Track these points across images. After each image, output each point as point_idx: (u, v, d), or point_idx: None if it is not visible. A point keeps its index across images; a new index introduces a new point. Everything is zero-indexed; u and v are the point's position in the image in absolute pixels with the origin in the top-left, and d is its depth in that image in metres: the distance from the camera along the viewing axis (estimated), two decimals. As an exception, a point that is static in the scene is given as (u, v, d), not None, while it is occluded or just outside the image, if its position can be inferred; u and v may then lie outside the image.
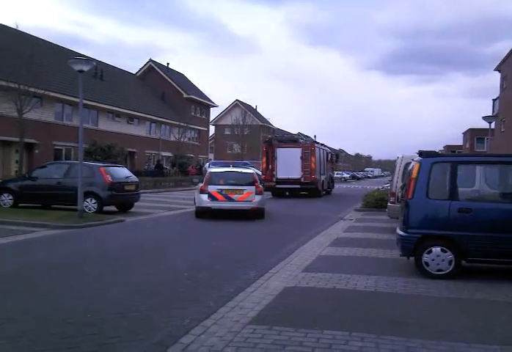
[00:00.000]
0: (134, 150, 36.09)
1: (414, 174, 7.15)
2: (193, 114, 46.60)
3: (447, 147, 67.57)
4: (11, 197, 15.44)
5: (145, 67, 47.03)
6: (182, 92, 46.13)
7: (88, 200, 14.52)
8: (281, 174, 26.08)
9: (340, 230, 12.28)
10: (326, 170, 29.90)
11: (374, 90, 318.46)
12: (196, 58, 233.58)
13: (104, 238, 10.52)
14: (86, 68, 12.95)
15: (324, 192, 28.82)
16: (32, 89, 21.31)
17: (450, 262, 6.77)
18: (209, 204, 14.11)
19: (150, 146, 38.90)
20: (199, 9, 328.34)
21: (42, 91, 23.07)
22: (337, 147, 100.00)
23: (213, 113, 61.11)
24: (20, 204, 15.44)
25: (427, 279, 6.67)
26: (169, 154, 39.74)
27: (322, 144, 30.68)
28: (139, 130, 37.76)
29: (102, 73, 35.28)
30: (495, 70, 38.66)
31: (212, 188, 14.04)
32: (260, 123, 65.81)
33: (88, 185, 14.23)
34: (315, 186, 26.19)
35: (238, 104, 66.25)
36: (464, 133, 58.46)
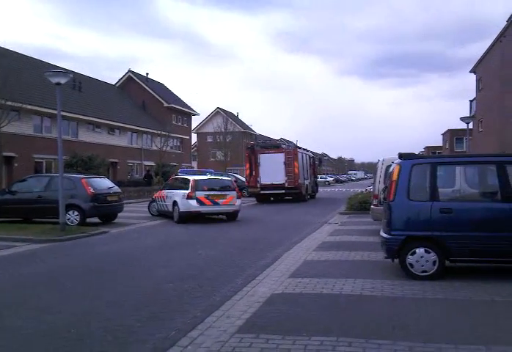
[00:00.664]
0: (116, 161, 35.77)
1: (395, 176, 7.22)
2: (174, 122, 46.42)
3: (427, 148, 68.48)
4: (-9, 212, 15.16)
5: (124, 78, 46.73)
6: (162, 101, 45.94)
7: (70, 213, 14.34)
8: (265, 179, 26.11)
9: (326, 234, 12.32)
10: (310, 174, 30.05)
11: (355, 94, 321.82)
12: (176, 67, 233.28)
13: (87, 251, 10.37)
14: (63, 81, 12.83)
15: (308, 196, 28.93)
16: (9, 103, 21.00)
17: (434, 262, 6.83)
18: (198, 209, 15.53)
19: (132, 156, 38.61)
20: (176, 18, 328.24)
21: (20, 104, 22.75)
22: (319, 151, 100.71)
23: (195, 121, 61.09)
24: (1, 219, 15.16)
25: (412, 280, 6.71)
26: (152, 163, 39.48)
27: (304, 149, 30.85)
28: (121, 141, 37.46)
29: (81, 85, 34.96)
30: (471, 71, 39.38)
31: (200, 194, 15.46)
32: (242, 130, 65.81)
33: (69, 197, 14.05)
34: (299, 191, 26.27)
35: (219, 112, 66.19)
36: (444, 134, 59.28)
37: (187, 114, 50.94)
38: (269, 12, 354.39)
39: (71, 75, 13.55)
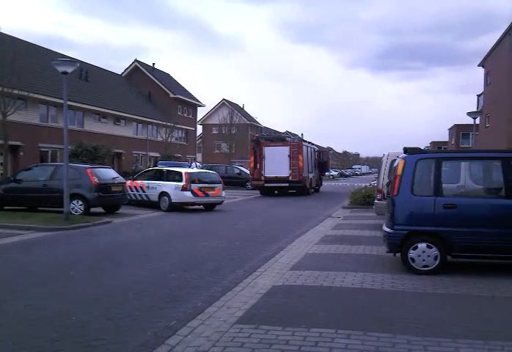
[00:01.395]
0: (121, 151, 35.85)
1: (399, 171, 7.20)
2: (180, 113, 46.41)
3: (433, 143, 68.16)
4: (-4, 200, 15.27)
5: (130, 68, 46.65)
6: (168, 91, 45.88)
7: (75, 202, 14.40)
8: (269, 172, 26.10)
9: (328, 228, 12.33)
10: (314, 168, 29.99)
11: (361, 87, 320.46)
12: (182, 57, 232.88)
13: (90, 240, 10.44)
14: (70, 70, 12.83)
15: (312, 190, 28.92)
16: (16, 92, 21.05)
17: (436, 257, 6.84)
18: (193, 200, 16.96)
19: (137, 146, 38.67)
20: (183, 8, 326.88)
21: (26, 93, 22.80)
22: (324, 145, 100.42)
23: (200, 112, 61.01)
24: (6, 207, 15.26)
25: (413, 275, 6.72)
26: (157, 154, 39.56)
27: (309, 142, 30.77)
28: (126, 131, 37.51)
29: (87, 74, 34.96)
30: (479, 65, 39.02)
31: (194, 186, 16.85)
32: (248, 122, 65.68)
33: (74, 186, 14.11)
34: (303, 184, 26.24)
35: (225, 103, 66.03)
36: (450, 129, 58.97)
37: (193, 105, 50.87)
38: (277, 2, 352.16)
39: (78, 64, 13.54)
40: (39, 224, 12.08)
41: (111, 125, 35.45)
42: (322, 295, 5.73)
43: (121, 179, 16.64)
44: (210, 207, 17.91)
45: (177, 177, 17.23)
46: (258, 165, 26.42)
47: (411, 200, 7.05)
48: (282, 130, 76.32)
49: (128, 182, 18.11)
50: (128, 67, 46.79)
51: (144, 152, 39.90)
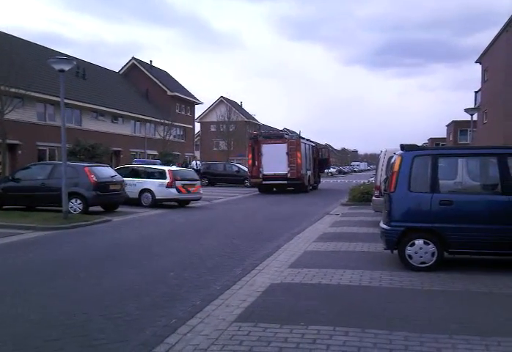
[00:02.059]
0: (119, 149, 35.80)
1: (396, 167, 7.23)
2: (177, 111, 46.33)
3: (432, 139, 68.23)
4: (-6, 200, 15.27)
5: (128, 65, 46.55)
6: (166, 89, 45.81)
7: (73, 201, 14.40)
8: (267, 170, 26.11)
9: (326, 225, 12.37)
10: (312, 165, 30.01)
11: (358, 84, 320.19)
12: (179, 55, 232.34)
13: (90, 239, 10.46)
14: (66, 68, 12.81)
15: (311, 187, 28.93)
16: (13, 90, 21.00)
17: (433, 254, 6.87)
18: (176, 196, 17.79)
19: (135, 144, 38.61)
20: (180, 5, 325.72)
21: (24, 91, 22.74)
22: (323, 142, 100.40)
23: (198, 110, 60.88)
24: (5, 207, 15.27)
25: (411, 271, 6.76)
26: (155, 152, 39.52)
27: (307, 140, 30.77)
28: (124, 129, 37.45)
29: (84, 72, 34.87)
30: (476, 62, 39.06)
31: (178, 184, 17.61)
32: (246, 119, 65.65)
33: (72, 185, 14.11)
34: (301, 182, 26.26)
35: (222, 101, 65.93)
36: (448, 126, 59.04)
37: (190, 102, 50.81)
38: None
39: (74, 62, 13.51)
40: (38, 223, 12.09)
41: (109, 123, 35.39)
42: (320, 292, 5.77)
43: (119, 177, 16.62)
44: (185, 203, 18.76)
45: (158, 174, 18.07)
46: (256, 162, 26.43)
47: (407, 197, 7.08)
48: (280, 128, 76.17)
49: None
50: (125, 65, 46.70)
51: (143, 150, 39.85)
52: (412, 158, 7.17)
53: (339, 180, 48.52)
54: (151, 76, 46.07)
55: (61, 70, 12.70)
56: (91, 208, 14.97)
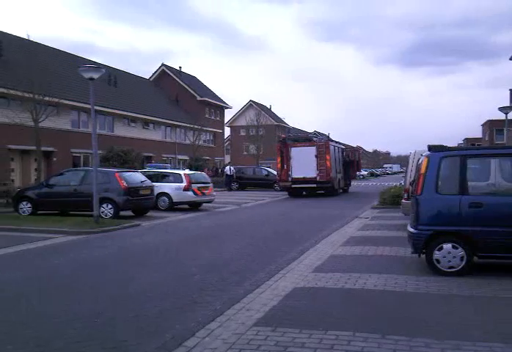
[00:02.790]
0: (151, 155, 36.40)
1: (423, 169, 7.06)
2: (207, 116, 46.79)
3: (467, 139, 66.52)
4: (29, 205, 15.77)
5: (158, 72, 47.40)
6: (195, 94, 46.36)
7: (104, 206, 14.72)
8: (296, 173, 25.96)
9: (355, 229, 12.20)
10: (342, 168, 29.58)
11: (391, 84, 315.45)
12: (208, 60, 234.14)
13: (119, 243, 10.64)
14: (96, 76, 13.14)
15: (341, 190, 28.62)
16: (47, 98, 21.66)
17: (462, 258, 6.67)
18: (194, 199, 18.35)
19: (166, 150, 39.19)
20: (208, 10, 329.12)
21: (57, 99, 23.42)
22: (354, 144, 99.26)
23: (228, 114, 61.29)
24: (39, 212, 15.73)
25: (438, 276, 6.58)
26: (186, 157, 39.99)
27: (337, 142, 30.46)
28: (155, 135, 38.09)
29: (115, 80, 35.70)
30: (511, 59, 37.86)
31: (194, 186, 18.25)
32: (275, 123, 65.66)
33: (104, 190, 14.42)
34: (331, 185, 25.97)
35: (252, 104, 66.15)
36: (483, 125, 57.43)
37: (220, 107, 51.23)
38: (302, 2, 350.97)
39: (103, 70, 13.83)
40: (70, 227, 12.40)
41: (140, 129, 36.07)
42: (343, 297, 5.68)
43: (149, 182, 16.90)
44: (197, 205, 19.04)
45: (174, 178, 18.62)
46: (285, 166, 26.34)
47: (435, 199, 6.90)
48: (311, 130, 75.86)
49: None
50: (155, 72, 47.56)
51: (173, 155, 40.40)
52: (439, 159, 6.98)
53: (370, 183, 47.83)
54: (180, 82, 46.74)
55: (91, 78, 13.04)
56: (122, 213, 15.25)
